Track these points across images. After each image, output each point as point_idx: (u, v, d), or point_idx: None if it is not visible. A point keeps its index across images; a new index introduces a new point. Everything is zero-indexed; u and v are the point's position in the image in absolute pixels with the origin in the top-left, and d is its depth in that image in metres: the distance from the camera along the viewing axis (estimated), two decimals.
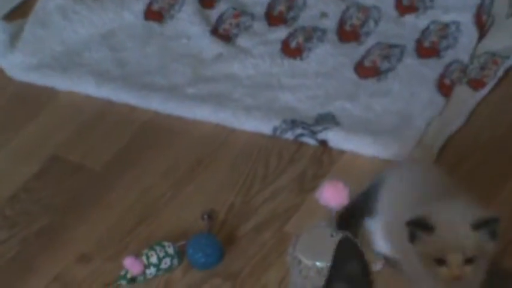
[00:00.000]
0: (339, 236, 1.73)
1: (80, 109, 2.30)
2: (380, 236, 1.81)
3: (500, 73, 2.25)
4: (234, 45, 2.38)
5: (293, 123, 2.18)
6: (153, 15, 2.46)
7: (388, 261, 1.83)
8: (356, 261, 1.31)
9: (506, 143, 1.95)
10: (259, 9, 2.45)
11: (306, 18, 2.43)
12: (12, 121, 2.29)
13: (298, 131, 2.17)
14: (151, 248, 1.92)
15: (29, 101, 2.32)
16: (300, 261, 1.77)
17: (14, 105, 2.33)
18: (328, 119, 2.18)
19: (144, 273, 1.91)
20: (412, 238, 1.65)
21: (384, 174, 1.84)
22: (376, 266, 1.79)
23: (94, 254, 1.98)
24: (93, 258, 1.97)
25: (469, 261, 1.63)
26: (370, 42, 2.35)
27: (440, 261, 1.63)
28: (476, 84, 2.24)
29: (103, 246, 2.00)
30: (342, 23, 2.39)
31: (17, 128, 2.26)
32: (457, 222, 1.63)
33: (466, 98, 2.21)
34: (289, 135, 2.17)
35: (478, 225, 1.62)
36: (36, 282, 1.94)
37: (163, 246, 1.92)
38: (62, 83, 2.33)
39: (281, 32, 2.40)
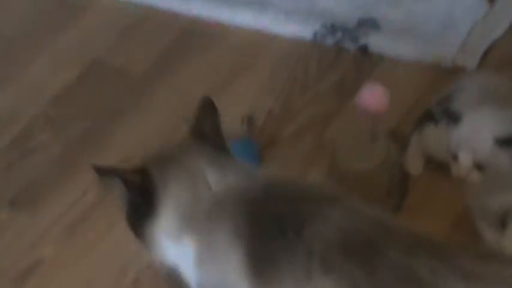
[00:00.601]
0: (379, 142, 1.79)
1: (122, 14, 2.31)
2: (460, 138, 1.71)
3: None
4: None
5: (333, 28, 2.18)
6: None
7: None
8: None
9: None
10: None
11: None
12: (54, 24, 2.30)
13: (339, 35, 2.17)
14: None
15: (72, 4, 2.33)
16: None
17: (57, 8, 2.34)
18: (369, 24, 2.18)
19: None
20: (435, 121, 1.68)
21: (462, 82, 1.81)
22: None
23: (137, 157, 1.95)
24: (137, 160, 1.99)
25: (479, 167, 1.63)
26: None
27: (454, 157, 1.65)
28: None
29: (145, 149, 1.94)
30: None
31: (59, 31, 2.28)
32: (484, 127, 1.62)
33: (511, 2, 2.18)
34: (329, 41, 2.18)
35: (501, 141, 1.60)
36: (77, 185, 1.96)
37: None
38: None
39: None
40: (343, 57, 2.16)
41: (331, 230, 1.21)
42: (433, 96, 1.83)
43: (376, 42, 2.15)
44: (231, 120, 1.96)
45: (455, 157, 1.65)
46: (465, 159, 1.63)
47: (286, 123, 2.04)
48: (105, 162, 1.88)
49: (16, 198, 1.96)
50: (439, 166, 1.83)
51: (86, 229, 1.90)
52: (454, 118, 1.64)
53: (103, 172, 1.33)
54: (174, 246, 1.31)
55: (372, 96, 1.76)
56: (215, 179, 1.30)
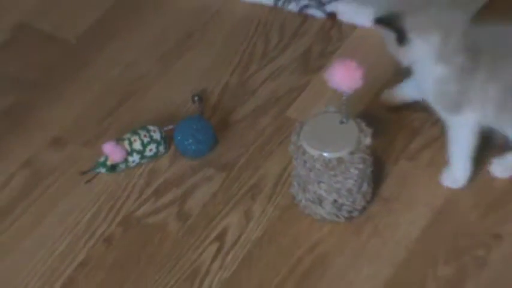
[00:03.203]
0: (349, 124, 1.77)
1: None
2: None
3: None
4: None
5: None
6: None
7: None
8: None
9: None
10: None
11: None
12: None
13: (304, 1, 2.16)
14: (135, 133, 1.91)
15: None
16: (304, 151, 1.77)
17: None
18: None
19: (126, 160, 1.90)
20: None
21: None
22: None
23: (69, 137, 1.97)
24: (68, 142, 1.96)
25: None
26: None
27: None
28: None
29: (80, 128, 1.99)
30: None
31: None
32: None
33: None
34: (293, 7, 2.17)
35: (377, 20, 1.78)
36: (3, 167, 1.93)
37: (148, 131, 1.91)
38: None
39: None
40: (308, 26, 2.15)
41: None
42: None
43: (346, 8, 2.15)
44: (182, 97, 2.01)
45: None
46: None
47: (243, 101, 2.03)
48: (34, 144, 1.91)
49: None
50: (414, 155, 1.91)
51: (12, 220, 1.84)
52: None
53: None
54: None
55: (343, 71, 1.73)
56: None
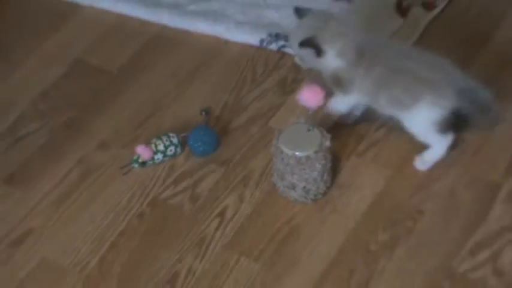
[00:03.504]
0: (314, 131, 1.78)
1: (100, 21, 2.24)
2: None
3: None
4: None
5: (277, 36, 2.13)
6: None
7: None
8: None
9: (452, 54, 1.89)
10: None
11: None
12: (44, 29, 2.23)
13: (281, 43, 2.12)
14: (159, 138, 1.90)
15: (58, 13, 2.26)
16: (282, 151, 1.77)
17: (46, 15, 2.26)
18: None
19: (152, 158, 1.89)
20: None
21: None
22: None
23: (112, 142, 1.96)
24: (111, 145, 1.96)
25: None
26: None
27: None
28: (429, 5, 2.18)
29: (119, 135, 1.97)
30: None
31: (48, 34, 2.21)
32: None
33: (419, 17, 2.15)
34: (274, 47, 2.13)
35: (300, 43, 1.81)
36: (63, 164, 1.92)
37: (169, 137, 1.90)
38: None
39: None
40: (284, 60, 2.11)
41: None
42: None
43: None
44: (193, 112, 2.01)
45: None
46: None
47: (237, 115, 2.00)
48: (85, 147, 1.94)
49: (10, 177, 1.91)
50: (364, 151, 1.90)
51: (71, 202, 1.85)
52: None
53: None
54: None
55: (310, 93, 1.75)
56: None
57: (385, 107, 1.82)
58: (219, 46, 2.15)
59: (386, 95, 1.79)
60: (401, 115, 1.81)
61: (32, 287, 1.72)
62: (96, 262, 1.74)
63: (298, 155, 1.74)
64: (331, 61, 1.80)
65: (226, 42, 2.16)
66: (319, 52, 1.79)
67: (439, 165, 1.85)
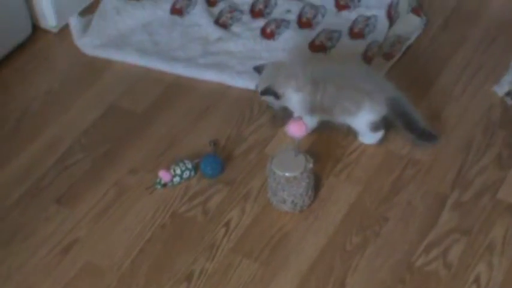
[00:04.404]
0: (299, 156, 1.78)
1: (128, 73, 2.24)
2: None
3: (403, 49, 2.23)
4: (229, 31, 2.32)
5: None
6: (176, 11, 2.38)
7: None
8: None
9: (405, 93, 1.93)
10: (246, 7, 2.39)
11: (276, 13, 2.37)
12: (84, 81, 2.23)
13: None
14: (177, 164, 1.89)
15: (96, 67, 2.26)
16: (274, 173, 1.77)
17: (86, 70, 2.27)
18: None
19: (172, 181, 1.88)
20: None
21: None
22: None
23: (139, 168, 1.96)
24: (139, 171, 1.95)
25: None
26: (319, 28, 2.31)
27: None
28: (388, 56, 2.22)
29: (145, 163, 1.97)
30: (300, 16, 2.34)
31: (88, 85, 2.21)
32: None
33: (381, 65, 2.18)
34: None
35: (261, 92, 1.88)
36: (102, 187, 1.91)
37: (185, 163, 1.90)
38: (116, 56, 2.27)
39: (260, 22, 2.34)
40: None
41: None
42: None
43: None
44: (203, 143, 2.00)
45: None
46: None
47: (239, 145, 1.99)
48: (119, 173, 1.94)
49: (60, 198, 1.91)
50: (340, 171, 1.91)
51: (108, 217, 1.84)
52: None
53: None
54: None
55: (296, 126, 1.75)
56: None
57: (339, 117, 1.91)
58: (223, 91, 2.15)
59: (339, 108, 1.88)
60: (350, 121, 1.91)
61: (78, 285, 1.71)
62: (128, 264, 1.73)
63: (287, 175, 1.75)
64: (293, 97, 1.87)
65: (229, 87, 2.15)
66: (276, 96, 1.87)
67: (400, 182, 1.86)
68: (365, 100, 1.85)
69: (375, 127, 1.90)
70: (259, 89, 1.89)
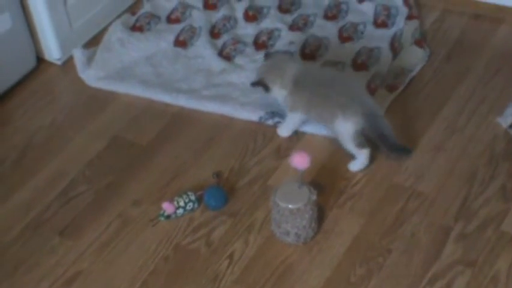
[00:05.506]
0: (303, 188, 1.78)
1: (133, 105, 2.26)
2: None
3: (407, 81, 2.25)
4: (233, 63, 2.35)
5: (273, 114, 2.15)
6: (180, 43, 2.43)
7: None
8: None
9: (408, 130, 1.96)
10: (249, 39, 2.43)
11: (280, 45, 2.40)
12: (88, 113, 2.25)
13: (276, 119, 2.15)
14: (180, 196, 1.91)
15: (99, 99, 2.28)
16: (278, 205, 1.78)
17: (90, 102, 2.28)
18: None
19: (175, 212, 1.89)
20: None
21: None
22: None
23: (143, 200, 1.97)
24: (142, 203, 1.96)
25: None
26: (322, 60, 2.33)
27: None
28: (391, 88, 2.23)
29: (149, 195, 1.98)
30: (303, 48, 2.37)
31: (92, 117, 2.22)
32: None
33: (384, 97, 2.20)
34: (270, 122, 2.15)
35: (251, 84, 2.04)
36: (105, 219, 1.93)
37: (188, 195, 1.91)
38: (120, 88, 2.29)
39: (263, 54, 2.37)
40: None
41: None
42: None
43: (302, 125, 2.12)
44: (207, 175, 2.02)
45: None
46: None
47: (242, 176, 2.01)
48: (122, 205, 1.95)
49: (64, 229, 1.92)
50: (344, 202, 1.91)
51: (111, 249, 1.86)
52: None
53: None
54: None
55: (299, 158, 1.77)
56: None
57: (318, 122, 2.02)
58: (226, 123, 2.16)
59: (314, 112, 2.00)
60: (328, 127, 1.99)
61: None
62: None
63: (291, 207, 1.76)
64: (278, 92, 2.01)
65: (232, 119, 2.17)
66: (266, 89, 2.02)
67: (403, 213, 1.87)
68: (338, 111, 1.93)
69: (358, 143, 1.94)
70: (254, 79, 2.04)
